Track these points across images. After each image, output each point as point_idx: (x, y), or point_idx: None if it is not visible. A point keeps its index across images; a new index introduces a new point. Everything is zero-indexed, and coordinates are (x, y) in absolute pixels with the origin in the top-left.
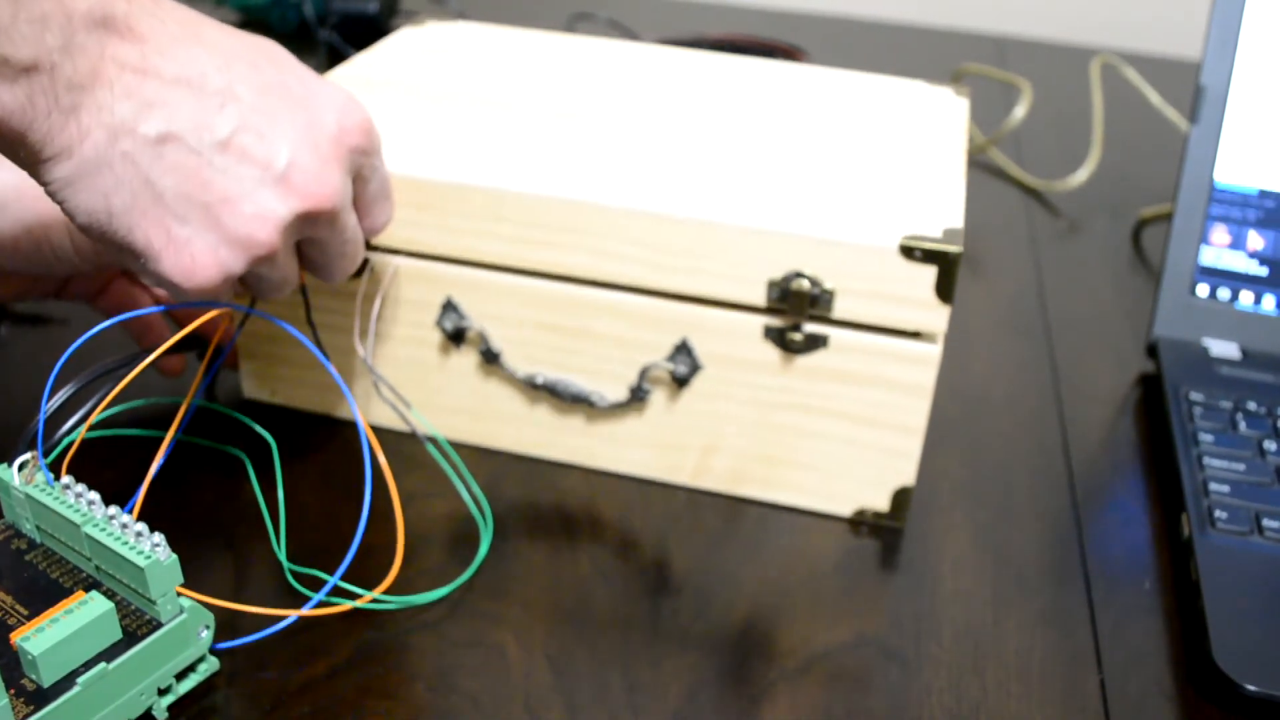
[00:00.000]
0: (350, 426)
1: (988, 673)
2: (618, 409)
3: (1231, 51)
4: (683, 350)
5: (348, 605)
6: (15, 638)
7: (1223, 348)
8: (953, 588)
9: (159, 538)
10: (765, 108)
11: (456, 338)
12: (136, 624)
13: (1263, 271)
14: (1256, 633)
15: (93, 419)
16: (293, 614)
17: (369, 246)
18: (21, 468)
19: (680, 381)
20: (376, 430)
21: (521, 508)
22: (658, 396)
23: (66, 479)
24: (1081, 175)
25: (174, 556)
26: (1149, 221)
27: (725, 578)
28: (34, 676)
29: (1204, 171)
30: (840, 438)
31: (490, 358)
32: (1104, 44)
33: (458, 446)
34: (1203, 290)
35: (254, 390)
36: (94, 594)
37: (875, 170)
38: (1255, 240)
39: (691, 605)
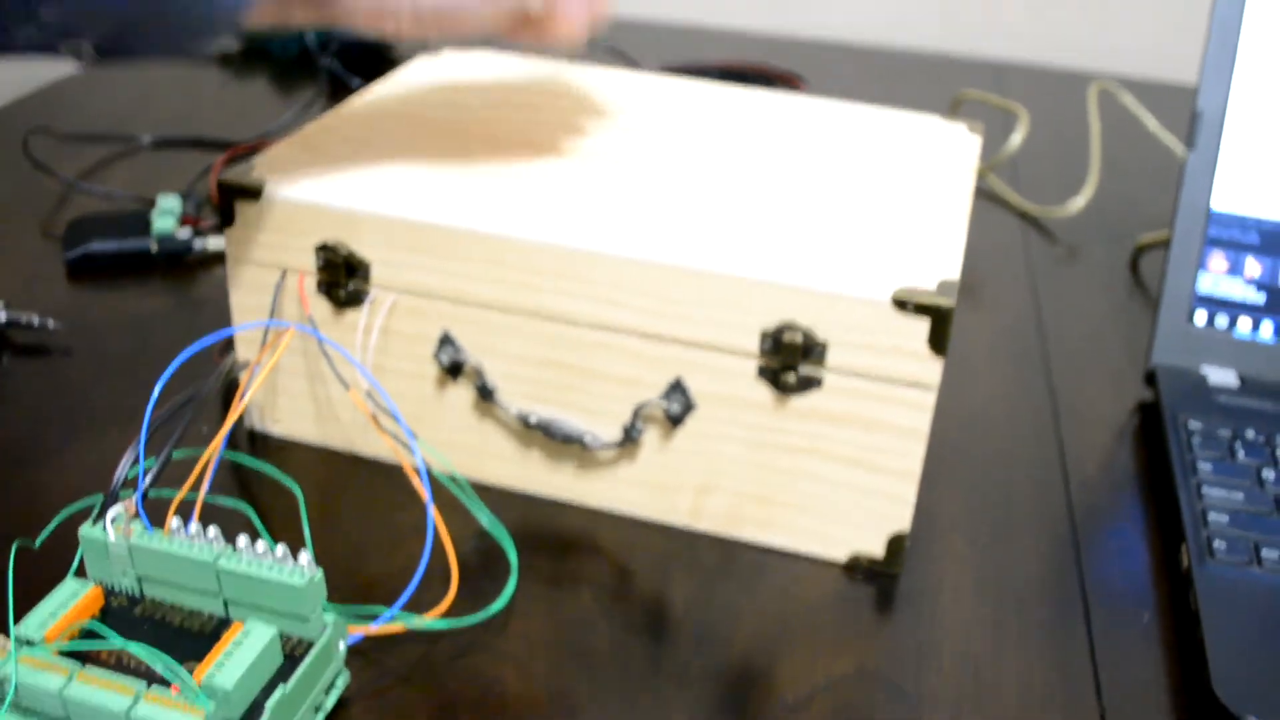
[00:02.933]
0: (343, 459)
1: (988, 704)
2: (611, 449)
3: (1228, 77)
4: (676, 389)
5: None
6: (199, 676)
7: (1221, 375)
8: (953, 618)
9: (304, 556)
10: (768, 145)
11: (453, 371)
12: (289, 645)
13: (1260, 299)
14: (1256, 664)
15: (164, 459)
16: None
17: (367, 280)
18: (114, 521)
19: (674, 420)
20: (374, 464)
21: (520, 541)
22: (652, 436)
23: (175, 521)
24: (1079, 201)
25: (320, 570)
26: (1147, 248)
27: (725, 612)
28: (224, 713)
29: (1201, 198)
30: (834, 480)
31: (485, 394)
32: (1101, 69)
33: (456, 481)
34: (1200, 317)
35: (257, 422)
36: (253, 622)
37: (875, 214)
38: (1253, 267)
39: (691, 639)
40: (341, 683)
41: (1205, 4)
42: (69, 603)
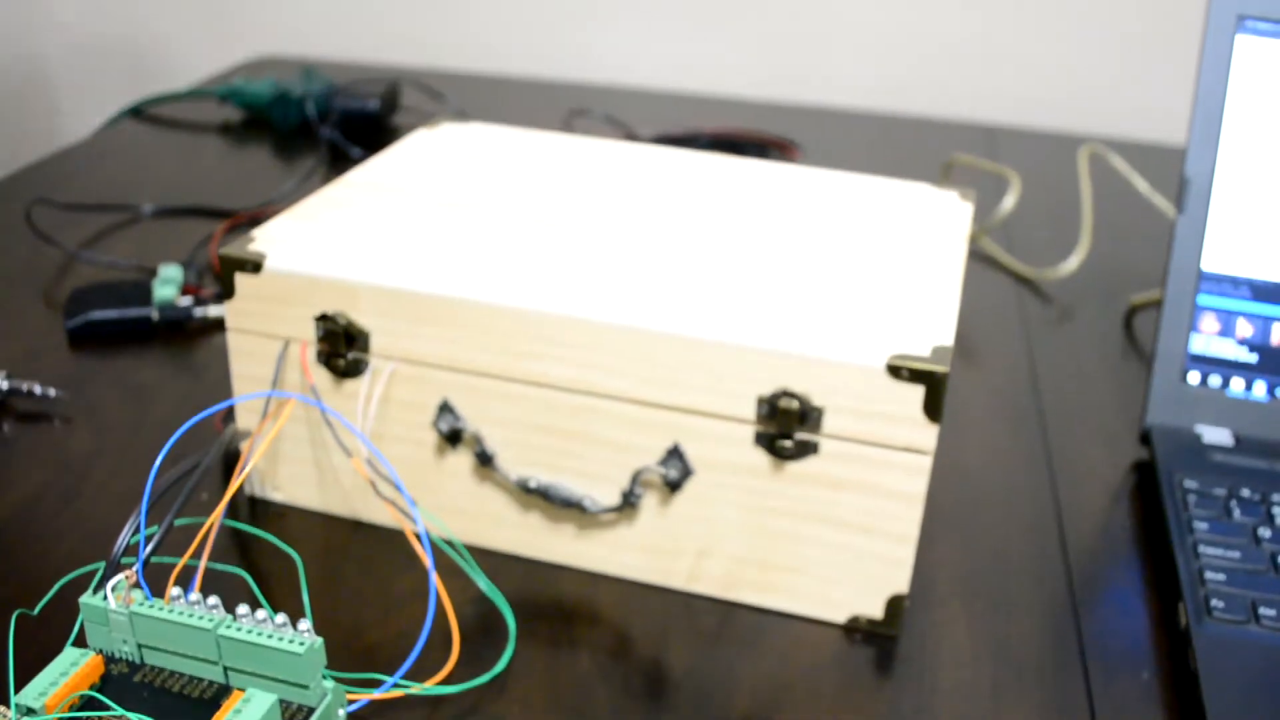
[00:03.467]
0: (341, 524)
1: None
2: (610, 513)
3: (1214, 143)
4: (674, 455)
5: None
6: None
7: (1215, 434)
8: (952, 680)
9: (304, 623)
10: (762, 214)
11: (453, 439)
12: (289, 712)
13: (1252, 358)
14: None
15: (165, 528)
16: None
17: (367, 349)
18: (115, 590)
19: (672, 486)
20: (371, 529)
21: (519, 606)
22: (650, 501)
23: (175, 590)
24: (1072, 263)
25: (320, 639)
26: (1140, 308)
27: (724, 675)
28: None
29: (1191, 260)
30: (832, 544)
31: (485, 460)
32: (1091, 132)
33: (454, 546)
34: (1194, 377)
35: (258, 488)
36: (254, 690)
37: (869, 282)
38: (1244, 328)
39: (690, 702)
40: None
41: (1192, 67)
42: (69, 671)
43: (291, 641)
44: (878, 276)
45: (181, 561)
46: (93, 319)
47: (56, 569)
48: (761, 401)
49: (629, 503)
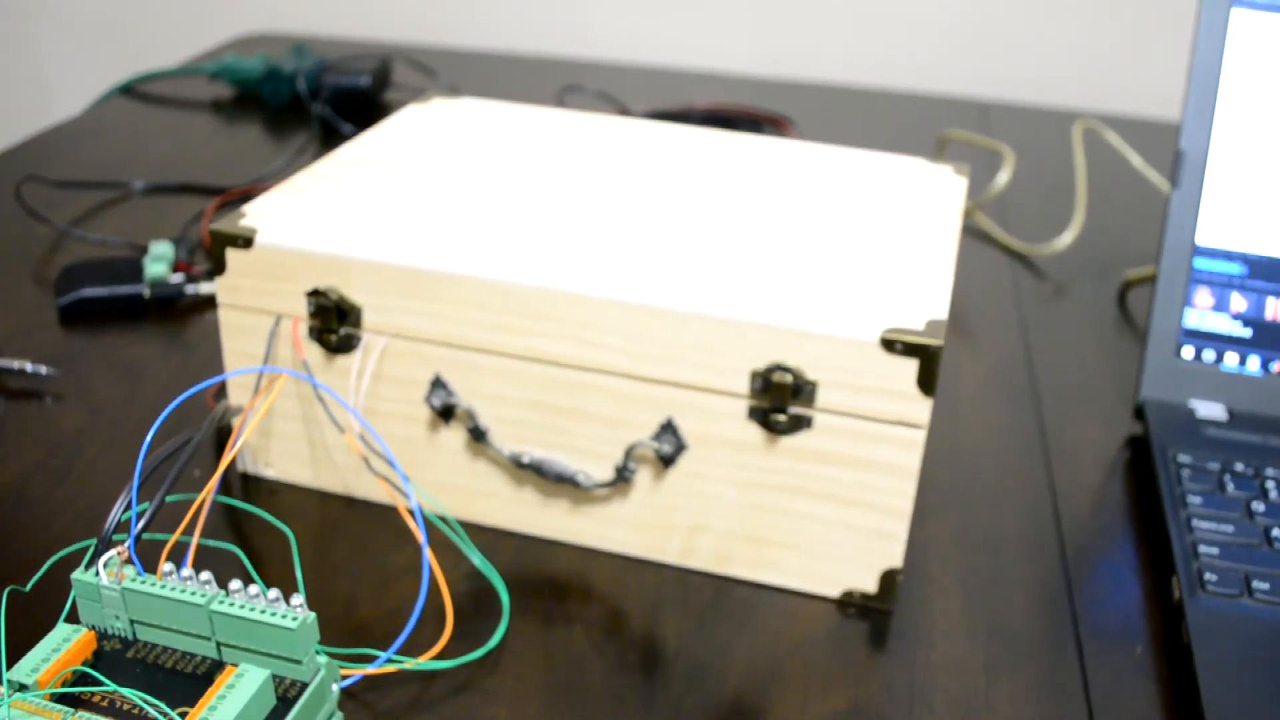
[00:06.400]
0: (334, 501)
1: None
2: (604, 488)
3: (1209, 117)
4: (668, 430)
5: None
6: (194, 717)
7: (1209, 409)
8: (945, 655)
9: (297, 599)
10: (755, 188)
11: (445, 414)
12: (282, 688)
13: (1246, 333)
14: (1249, 696)
15: (157, 504)
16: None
17: (359, 325)
18: (107, 566)
19: (666, 461)
20: (364, 505)
21: (512, 581)
22: (643, 476)
23: (167, 566)
24: (1066, 238)
25: (313, 614)
26: (1134, 283)
27: (717, 650)
28: None
29: (1186, 235)
30: (826, 519)
31: (478, 435)
32: (1085, 107)
33: (447, 522)
34: (1188, 352)
35: (250, 465)
36: (246, 665)
37: (862, 255)
38: (1238, 302)
39: (684, 677)
40: None
41: (1186, 42)
42: (61, 647)
43: (284, 617)
44: (871, 251)
45: (174, 537)
46: (84, 296)
47: (49, 546)
48: (755, 376)
49: (622, 478)
